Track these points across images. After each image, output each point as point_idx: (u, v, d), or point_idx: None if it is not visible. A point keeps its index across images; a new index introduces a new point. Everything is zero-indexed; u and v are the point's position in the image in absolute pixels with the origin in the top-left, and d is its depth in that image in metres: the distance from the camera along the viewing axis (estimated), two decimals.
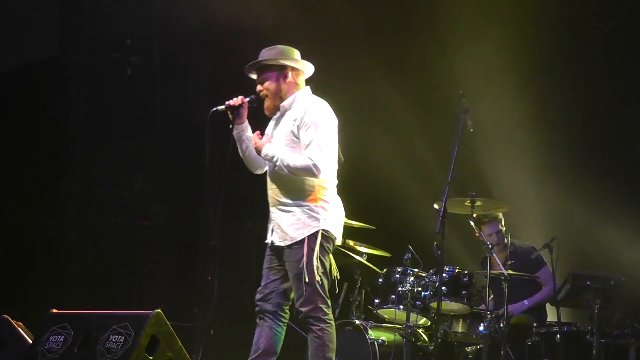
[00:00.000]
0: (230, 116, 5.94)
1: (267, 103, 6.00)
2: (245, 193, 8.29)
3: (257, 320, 5.95)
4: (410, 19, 9.71)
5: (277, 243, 5.91)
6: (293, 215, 5.87)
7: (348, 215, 8.25)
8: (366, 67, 9.70)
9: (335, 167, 5.96)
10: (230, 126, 5.95)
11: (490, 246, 7.32)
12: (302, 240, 5.81)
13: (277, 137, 5.98)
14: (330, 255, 5.91)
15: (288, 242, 5.86)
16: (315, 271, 5.79)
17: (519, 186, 9.09)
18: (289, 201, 5.89)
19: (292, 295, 5.89)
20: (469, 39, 9.33)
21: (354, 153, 9.38)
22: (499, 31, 9.29)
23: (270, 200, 5.99)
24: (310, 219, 5.84)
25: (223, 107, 5.91)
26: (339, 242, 5.99)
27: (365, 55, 9.72)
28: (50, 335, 5.11)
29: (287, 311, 5.98)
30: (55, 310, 5.29)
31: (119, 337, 4.88)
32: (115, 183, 9.93)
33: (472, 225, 7.48)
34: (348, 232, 8.35)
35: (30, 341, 5.40)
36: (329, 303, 5.87)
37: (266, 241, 6.02)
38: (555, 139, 9.25)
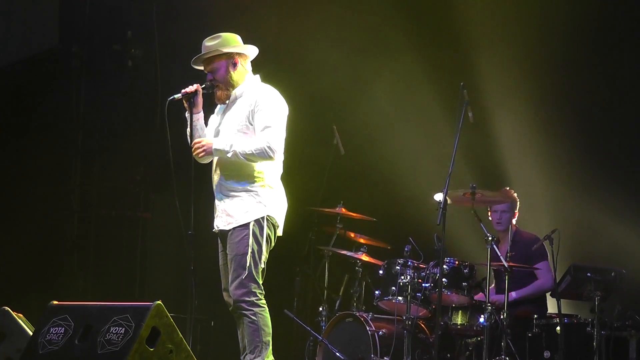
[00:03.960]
0: (186, 104, 5.95)
1: (218, 93, 6.03)
2: None
3: (237, 319, 5.93)
4: (413, 13, 9.72)
5: (222, 227, 5.93)
6: (240, 199, 5.89)
7: (349, 207, 8.30)
8: (365, 63, 9.70)
9: (282, 155, 5.97)
10: (187, 114, 5.96)
11: (490, 238, 7.31)
12: (247, 224, 5.84)
13: (228, 123, 6.00)
14: (270, 243, 5.92)
15: (233, 225, 5.88)
16: (256, 256, 5.81)
17: (520, 178, 9.09)
18: (236, 186, 5.91)
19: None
20: (470, 35, 9.33)
21: (355, 145, 9.45)
22: (506, 23, 9.30)
23: (215, 186, 6.00)
24: (258, 204, 5.87)
25: (179, 95, 5.92)
26: (280, 232, 6.01)
27: (364, 52, 9.72)
28: (50, 327, 5.10)
29: None
30: (55, 302, 5.29)
31: (120, 328, 4.88)
32: (117, 175, 9.93)
33: (473, 214, 7.47)
34: (349, 223, 8.38)
35: (31, 333, 5.40)
36: (262, 288, 5.87)
37: (213, 229, 6.03)
38: (557, 131, 9.25)
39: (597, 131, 9.20)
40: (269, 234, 5.91)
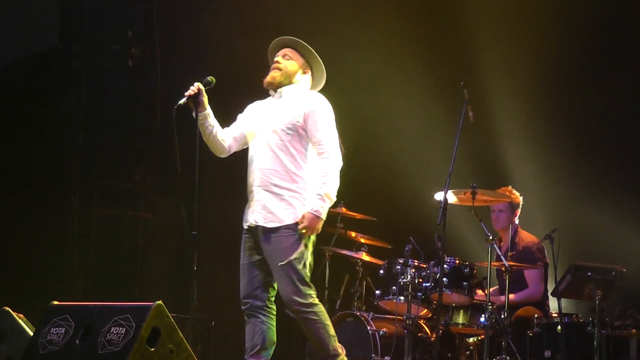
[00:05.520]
0: (192, 106, 5.93)
1: (274, 74, 6.08)
2: (243, 185, 8.29)
3: (247, 317, 5.98)
4: (413, 10, 9.72)
5: (262, 223, 5.90)
6: (283, 198, 5.91)
7: (350, 207, 8.29)
8: (366, 60, 9.69)
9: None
10: (194, 115, 5.95)
11: (491, 237, 7.31)
12: (291, 226, 5.84)
13: (274, 120, 6.00)
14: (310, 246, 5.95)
15: (276, 224, 5.87)
16: (305, 259, 5.86)
17: (521, 177, 9.09)
18: (281, 184, 5.91)
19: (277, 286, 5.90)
20: (472, 34, 9.33)
21: (355, 144, 9.44)
22: (509, 23, 9.30)
23: (255, 180, 5.97)
24: (303, 207, 5.87)
25: (184, 99, 5.90)
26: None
27: (366, 49, 9.71)
28: (51, 327, 5.10)
29: (273, 302, 6.00)
30: (56, 302, 5.28)
31: (120, 328, 4.87)
32: (117, 175, 9.93)
33: (474, 213, 7.46)
34: (349, 223, 8.37)
35: (31, 333, 5.40)
36: (314, 288, 5.93)
37: (246, 224, 5.99)
38: (558, 130, 9.25)
39: (598, 130, 9.20)
40: (313, 238, 5.96)
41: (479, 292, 7.73)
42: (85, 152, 9.84)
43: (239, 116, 6.25)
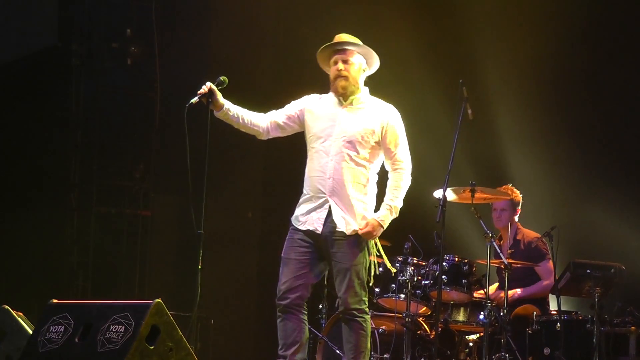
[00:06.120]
0: (206, 103, 5.93)
1: (343, 82, 6.03)
2: (247, 184, 8.30)
3: (283, 313, 5.95)
4: (412, 7, 9.71)
5: (342, 229, 5.90)
6: (353, 207, 5.95)
7: None
8: None
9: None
10: (216, 114, 5.96)
11: (490, 235, 7.31)
12: (361, 238, 5.93)
13: (348, 128, 6.00)
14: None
15: (350, 231, 5.90)
16: (367, 269, 5.99)
17: (521, 175, 9.09)
18: (354, 195, 5.95)
19: (337, 287, 5.97)
20: (472, 29, 9.33)
21: None
22: (508, 20, 9.30)
23: (325, 188, 5.96)
24: (369, 215, 5.96)
25: (196, 98, 5.89)
26: None
27: (366, 43, 9.69)
28: (50, 326, 5.10)
29: (306, 303, 6.03)
30: (55, 301, 5.28)
31: (120, 327, 4.87)
32: (116, 173, 9.93)
33: (473, 211, 7.46)
34: None
35: (31, 331, 5.40)
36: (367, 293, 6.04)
37: (309, 228, 5.98)
38: (557, 128, 9.25)
39: (597, 128, 9.20)
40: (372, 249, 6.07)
41: (481, 292, 7.72)
42: (84, 150, 9.84)
43: (293, 102, 6.20)
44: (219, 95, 5.94)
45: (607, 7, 9.05)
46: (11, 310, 5.66)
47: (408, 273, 7.48)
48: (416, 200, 8.62)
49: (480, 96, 8.87)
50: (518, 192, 8.11)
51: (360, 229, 5.90)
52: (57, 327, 5.08)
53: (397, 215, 6.02)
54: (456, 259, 7.49)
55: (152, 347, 4.85)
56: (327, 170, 5.98)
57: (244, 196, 9.74)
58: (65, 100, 9.77)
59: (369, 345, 5.99)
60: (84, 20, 9.86)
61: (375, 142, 5.99)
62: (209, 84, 5.91)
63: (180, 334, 4.99)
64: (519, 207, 8.11)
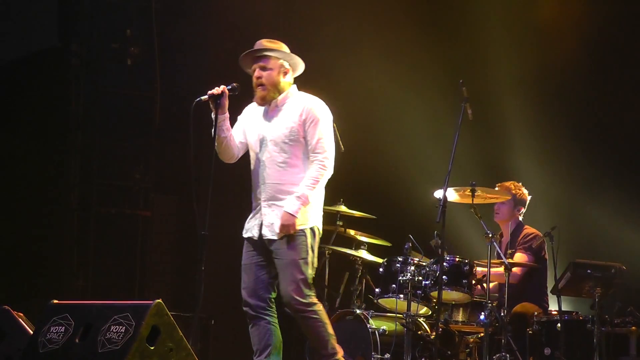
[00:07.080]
0: (212, 105, 5.94)
1: (262, 93, 6.04)
2: (246, 183, 8.28)
3: (251, 319, 6.02)
4: (413, 7, 9.71)
5: (270, 236, 5.95)
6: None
7: (349, 205, 8.29)
8: (366, 57, 9.69)
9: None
10: (213, 115, 5.95)
11: (490, 235, 7.31)
12: (302, 231, 5.92)
13: (275, 131, 6.01)
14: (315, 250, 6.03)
15: (282, 235, 5.92)
16: (310, 264, 5.94)
17: (521, 175, 9.09)
18: (285, 196, 5.95)
19: (279, 285, 5.95)
20: (475, 29, 9.33)
21: (354, 142, 9.43)
22: (510, 20, 9.30)
23: (261, 195, 6.02)
24: (306, 215, 5.93)
25: (206, 96, 5.91)
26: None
27: (365, 46, 9.70)
28: (51, 326, 5.10)
29: (274, 303, 6.04)
30: (55, 301, 5.28)
31: (120, 327, 4.88)
32: (116, 173, 9.93)
33: (473, 211, 7.45)
34: (349, 221, 8.37)
35: (31, 332, 5.40)
36: (314, 290, 6.01)
37: (249, 235, 6.05)
38: (557, 128, 9.25)
39: (598, 128, 9.20)
40: (315, 242, 6.04)
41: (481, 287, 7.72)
42: (84, 150, 9.83)
43: (239, 119, 6.25)
44: (227, 102, 5.95)
45: (612, 6, 9.05)
46: (11, 311, 5.66)
47: (408, 273, 7.47)
48: (416, 200, 8.64)
49: (482, 96, 8.87)
50: (525, 190, 8.08)
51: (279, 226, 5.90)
52: (57, 327, 5.08)
53: (310, 203, 5.93)
54: (456, 259, 7.49)
55: (152, 348, 4.85)
56: (260, 177, 6.04)
57: (244, 196, 9.73)
58: (65, 100, 9.76)
59: (330, 330, 5.98)
60: (84, 20, 9.84)
61: (303, 139, 5.97)
62: (222, 87, 5.92)
63: (181, 334, 4.99)
64: (524, 207, 8.08)
